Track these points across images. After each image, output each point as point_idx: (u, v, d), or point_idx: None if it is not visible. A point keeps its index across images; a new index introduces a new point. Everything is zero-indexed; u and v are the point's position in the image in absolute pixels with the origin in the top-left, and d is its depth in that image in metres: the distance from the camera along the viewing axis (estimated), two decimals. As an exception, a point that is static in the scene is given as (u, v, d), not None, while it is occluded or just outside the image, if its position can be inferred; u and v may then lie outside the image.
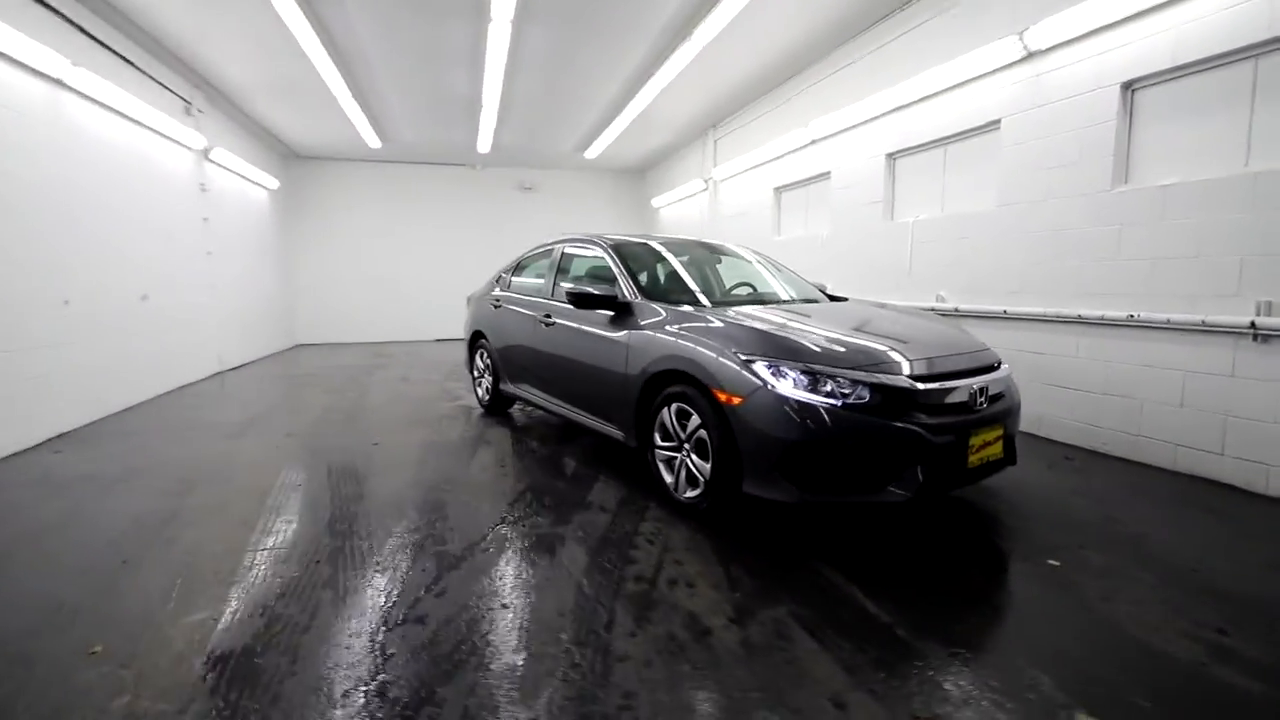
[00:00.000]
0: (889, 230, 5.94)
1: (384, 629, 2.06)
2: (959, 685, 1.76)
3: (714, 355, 2.84)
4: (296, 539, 2.80)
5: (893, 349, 2.79)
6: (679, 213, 11.40)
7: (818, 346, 2.73)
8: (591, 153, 10.79)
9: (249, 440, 4.59)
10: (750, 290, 4.10)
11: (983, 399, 2.80)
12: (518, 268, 5.24)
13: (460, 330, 12.73)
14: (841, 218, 6.60)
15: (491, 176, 12.44)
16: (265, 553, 2.64)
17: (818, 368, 2.63)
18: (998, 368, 3.03)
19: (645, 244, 4.19)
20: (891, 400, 2.60)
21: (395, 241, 12.01)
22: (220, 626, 2.07)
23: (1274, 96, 3.24)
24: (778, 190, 7.99)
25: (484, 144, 10.07)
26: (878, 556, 2.61)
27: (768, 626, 2.08)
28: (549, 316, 4.25)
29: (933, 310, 5.12)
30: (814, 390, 2.59)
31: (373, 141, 9.75)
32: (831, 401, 2.56)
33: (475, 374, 5.62)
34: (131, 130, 5.84)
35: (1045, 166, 4.35)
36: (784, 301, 3.85)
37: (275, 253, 10.37)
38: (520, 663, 1.88)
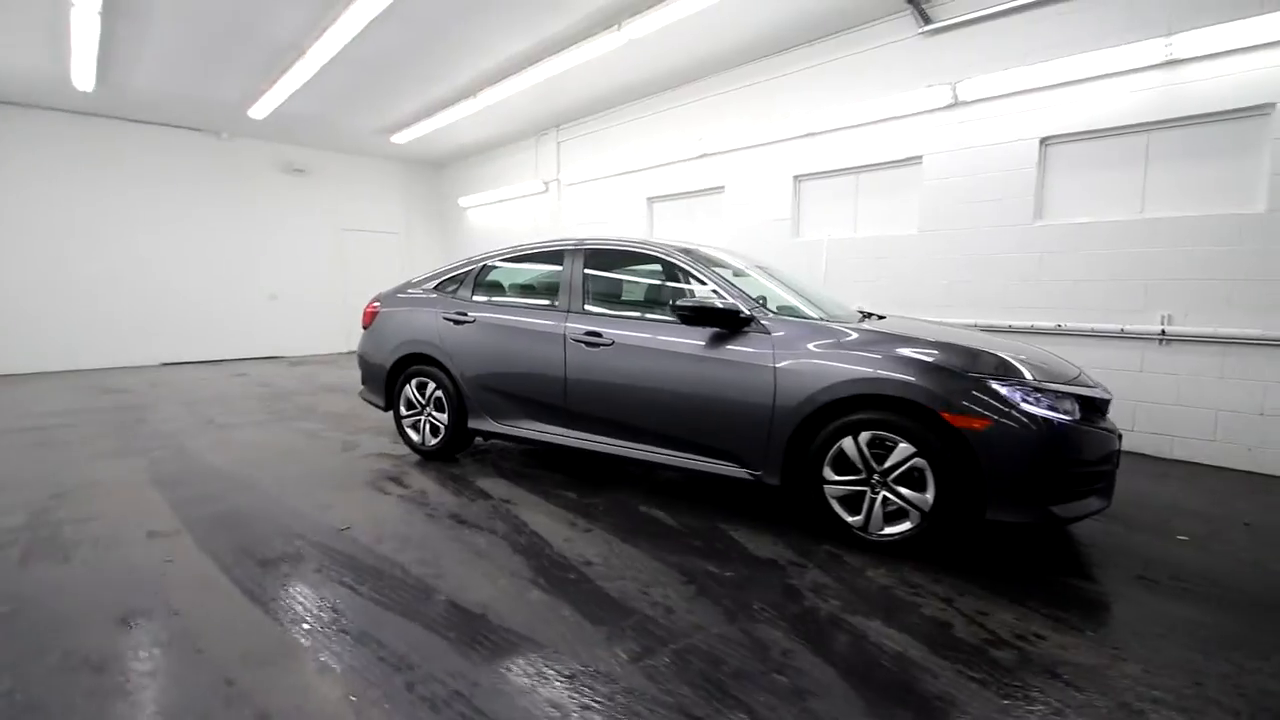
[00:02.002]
0: (796, 247, 6.32)
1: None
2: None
3: (939, 377, 2.62)
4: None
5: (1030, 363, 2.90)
6: (502, 216, 10.45)
7: (1029, 362, 2.72)
8: (403, 138, 9.16)
9: (86, 560, 2.66)
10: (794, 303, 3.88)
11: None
12: (480, 275, 4.13)
13: (226, 349, 9.84)
14: (740, 233, 6.80)
15: (246, 151, 9.67)
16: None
17: (1041, 383, 2.62)
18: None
19: (702, 251, 3.69)
20: (1090, 411, 2.73)
21: (100, 230, 8.46)
22: None
23: (1162, 162, 4.35)
24: (651, 200, 7.88)
25: (264, 109, 7.74)
26: (1074, 561, 2.73)
27: (1168, 657, 1.98)
28: (595, 335, 3.43)
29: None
30: (1041, 405, 2.58)
31: (84, 83, 6.69)
32: (1064, 416, 2.58)
33: (405, 410, 4.24)
34: None
35: (969, 200, 5.13)
36: (866, 317, 3.75)
37: None
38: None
